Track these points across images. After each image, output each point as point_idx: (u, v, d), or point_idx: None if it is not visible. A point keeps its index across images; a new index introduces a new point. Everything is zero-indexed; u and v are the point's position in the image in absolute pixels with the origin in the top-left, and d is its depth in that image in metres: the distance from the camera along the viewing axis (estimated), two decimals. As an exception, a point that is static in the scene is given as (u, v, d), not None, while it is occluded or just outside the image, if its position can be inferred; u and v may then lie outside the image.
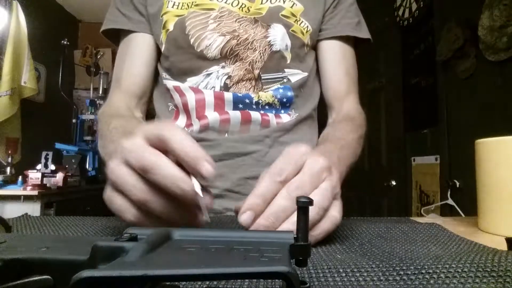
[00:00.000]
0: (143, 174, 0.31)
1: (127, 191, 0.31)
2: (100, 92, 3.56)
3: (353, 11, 0.76)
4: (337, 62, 0.74)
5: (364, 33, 0.76)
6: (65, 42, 3.38)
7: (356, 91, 0.76)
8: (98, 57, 3.78)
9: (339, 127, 0.67)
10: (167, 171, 0.30)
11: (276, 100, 0.68)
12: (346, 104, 0.73)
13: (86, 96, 3.91)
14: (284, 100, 0.69)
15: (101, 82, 3.60)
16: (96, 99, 3.49)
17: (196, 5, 0.68)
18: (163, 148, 0.31)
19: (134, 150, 0.31)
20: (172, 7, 0.68)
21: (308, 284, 0.19)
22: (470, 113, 1.97)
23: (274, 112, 0.69)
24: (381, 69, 2.94)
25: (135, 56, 0.71)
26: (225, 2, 0.68)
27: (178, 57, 0.68)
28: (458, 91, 2.07)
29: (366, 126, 0.70)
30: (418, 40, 2.48)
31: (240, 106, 0.66)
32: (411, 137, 2.49)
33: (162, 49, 0.69)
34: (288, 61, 0.69)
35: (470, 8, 1.92)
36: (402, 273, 0.24)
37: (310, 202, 0.20)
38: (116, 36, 0.76)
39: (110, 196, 0.33)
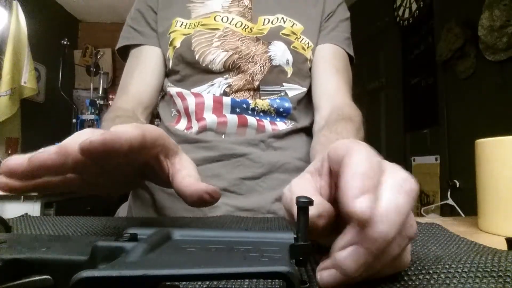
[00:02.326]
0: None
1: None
2: (100, 92, 3.56)
3: (344, 26, 0.77)
4: (326, 61, 0.73)
5: (350, 50, 0.77)
6: (65, 42, 3.38)
7: (348, 90, 0.72)
8: (98, 57, 3.78)
9: (339, 129, 0.58)
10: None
11: (272, 109, 0.71)
12: (337, 100, 0.68)
13: (86, 96, 3.91)
14: (281, 110, 0.71)
15: (101, 82, 3.60)
16: (96, 99, 3.49)
17: (202, 25, 0.71)
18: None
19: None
20: (180, 26, 0.72)
21: (308, 284, 0.19)
22: (470, 113, 1.97)
23: (269, 119, 0.70)
24: (381, 69, 2.94)
25: (146, 66, 0.73)
26: (229, 23, 0.71)
27: (185, 72, 0.72)
28: (458, 91, 2.07)
29: (365, 125, 0.65)
30: (418, 40, 2.48)
31: (238, 110, 0.69)
32: (411, 137, 2.49)
33: (170, 64, 0.73)
34: (289, 75, 0.72)
35: (470, 8, 1.92)
36: (402, 273, 0.24)
37: (310, 202, 0.20)
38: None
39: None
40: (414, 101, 2.51)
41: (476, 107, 1.92)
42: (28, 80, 2.82)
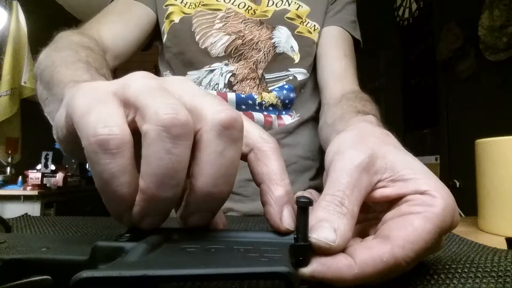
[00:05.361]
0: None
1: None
2: (100, 92, 3.56)
3: (350, 9, 0.75)
4: (334, 43, 0.71)
5: (357, 33, 0.75)
6: (65, 42, 3.37)
7: (356, 76, 0.70)
8: (98, 57, 3.78)
9: (362, 102, 0.55)
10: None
11: (279, 101, 0.69)
12: (347, 84, 0.66)
13: (86, 96, 3.91)
14: (286, 101, 0.69)
15: (101, 82, 3.60)
16: (96, 99, 3.49)
17: (204, 4, 0.68)
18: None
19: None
20: (181, 2, 0.68)
21: (307, 285, 0.19)
22: (470, 113, 1.97)
23: (277, 113, 0.69)
24: (381, 69, 2.94)
25: (130, 17, 0.66)
26: (232, 4, 0.69)
27: (180, 49, 0.68)
28: (458, 91, 2.07)
29: None
30: (418, 40, 2.48)
31: (243, 107, 0.67)
32: (411, 137, 2.49)
33: (164, 39, 0.69)
34: (296, 61, 0.69)
35: (470, 8, 1.92)
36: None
37: (310, 202, 0.20)
38: None
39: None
40: (414, 101, 2.51)
41: (476, 107, 1.92)
42: (28, 80, 2.82)
